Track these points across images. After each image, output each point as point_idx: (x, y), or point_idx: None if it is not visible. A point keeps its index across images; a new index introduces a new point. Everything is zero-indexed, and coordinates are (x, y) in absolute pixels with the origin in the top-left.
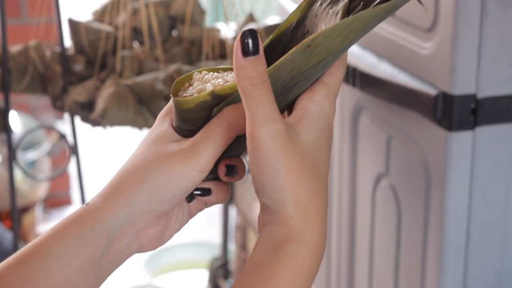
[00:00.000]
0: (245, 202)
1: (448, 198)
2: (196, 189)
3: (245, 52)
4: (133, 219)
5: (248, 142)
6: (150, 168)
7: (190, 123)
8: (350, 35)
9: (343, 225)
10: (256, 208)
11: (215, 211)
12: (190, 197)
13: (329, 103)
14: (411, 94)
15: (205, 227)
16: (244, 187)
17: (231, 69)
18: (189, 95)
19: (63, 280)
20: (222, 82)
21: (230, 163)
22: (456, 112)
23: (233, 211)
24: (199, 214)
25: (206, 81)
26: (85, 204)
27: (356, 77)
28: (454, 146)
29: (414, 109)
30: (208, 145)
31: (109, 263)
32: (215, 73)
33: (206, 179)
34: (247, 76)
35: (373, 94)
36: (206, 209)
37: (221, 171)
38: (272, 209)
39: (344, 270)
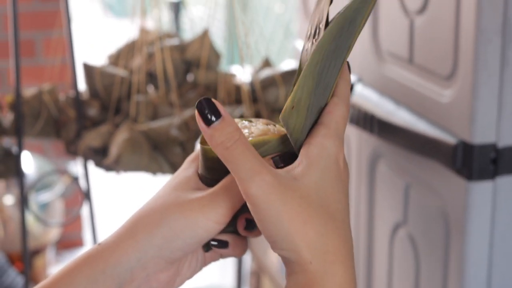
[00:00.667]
0: (260, 248)
1: (468, 249)
2: (213, 239)
3: (208, 122)
4: (144, 263)
5: (247, 202)
6: (166, 213)
7: (214, 172)
8: (317, 69)
9: (360, 274)
10: (271, 254)
11: None
12: (207, 247)
13: (331, 141)
14: (430, 142)
15: (218, 271)
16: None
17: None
18: None
19: None
20: (247, 133)
21: (250, 218)
22: (476, 162)
23: (247, 256)
24: None
25: None
26: (97, 244)
27: (374, 124)
28: (474, 196)
29: (433, 158)
30: (227, 197)
31: None
32: (245, 122)
33: (224, 231)
34: (218, 142)
35: (391, 142)
36: None
37: (240, 224)
38: (289, 259)
39: None
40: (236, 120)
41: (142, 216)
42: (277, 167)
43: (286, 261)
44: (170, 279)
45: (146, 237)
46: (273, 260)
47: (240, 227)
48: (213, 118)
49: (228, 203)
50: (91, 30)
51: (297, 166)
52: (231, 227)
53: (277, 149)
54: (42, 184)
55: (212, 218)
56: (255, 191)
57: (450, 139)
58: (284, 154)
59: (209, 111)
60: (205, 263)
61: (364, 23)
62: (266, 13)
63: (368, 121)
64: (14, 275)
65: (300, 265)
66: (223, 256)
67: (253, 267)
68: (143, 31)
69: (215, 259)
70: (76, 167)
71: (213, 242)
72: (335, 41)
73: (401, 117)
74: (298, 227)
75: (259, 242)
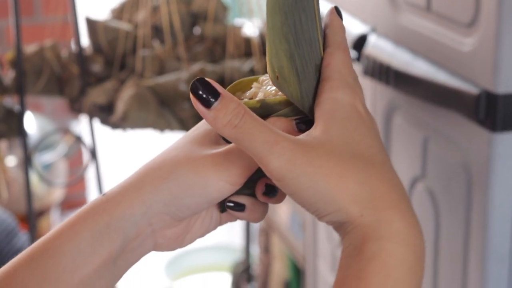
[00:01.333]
0: (269, 205)
1: (492, 202)
2: (230, 201)
3: (207, 103)
4: (149, 218)
5: (273, 180)
6: (176, 167)
7: None
8: (284, 30)
9: None
10: (280, 211)
11: None
12: (223, 207)
13: (340, 92)
14: (450, 93)
15: (227, 229)
16: None
17: None
18: (241, 99)
19: (77, 281)
20: (274, 91)
21: (270, 183)
22: (500, 112)
23: None
24: None
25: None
26: (102, 194)
27: (390, 75)
28: (498, 147)
29: (453, 109)
30: (244, 156)
31: (124, 261)
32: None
33: (241, 193)
34: (225, 123)
35: (408, 93)
36: None
37: (260, 189)
38: (339, 221)
39: None
40: (260, 77)
41: (152, 168)
42: (300, 130)
43: (337, 225)
44: (178, 236)
45: (152, 191)
46: (283, 217)
47: (259, 192)
48: (212, 99)
49: (244, 163)
50: None
51: (315, 128)
52: (249, 190)
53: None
54: (44, 144)
55: (225, 178)
56: (277, 162)
57: (472, 89)
58: (305, 117)
59: (205, 92)
60: (220, 222)
61: None
62: None
63: (383, 73)
64: (24, 238)
65: (351, 222)
66: (240, 218)
67: (261, 224)
68: None
69: (231, 219)
70: (78, 126)
71: (228, 203)
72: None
73: (419, 67)
74: (335, 183)
75: None
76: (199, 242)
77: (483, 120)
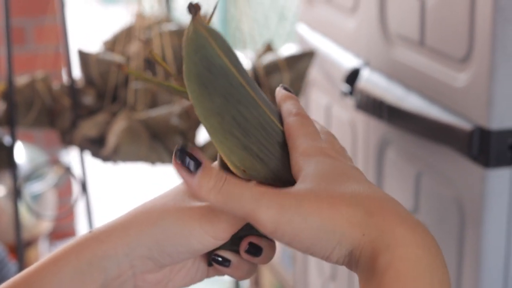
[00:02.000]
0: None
1: (485, 239)
2: (216, 254)
3: (190, 172)
4: (131, 260)
5: (267, 233)
6: (163, 215)
7: None
8: (224, 134)
9: None
10: None
11: None
12: (210, 261)
13: (304, 154)
14: (443, 128)
15: None
16: None
17: None
18: None
19: None
20: None
21: (256, 242)
22: (494, 148)
23: None
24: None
25: None
26: (89, 231)
27: (383, 110)
28: (491, 183)
29: (446, 145)
30: (229, 214)
31: None
32: None
33: (229, 249)
34: (210, 187)
35: (401, 128)
36: None
37: (243, 246)
38: (346, 253)
39: None
40: None
41: (141, 212)
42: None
43: (348, 260)
44: (159, 282)
45: (137, 234)
46: None
47: (242, 248)
48: (194, 165)
49: (230, 219)
50: (84, 17)
51: (297, 184)
52: (236, 247)
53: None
54: (34, 174)
55: (209, 231)
56: (268, 212)
57: (465, 125)
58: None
59: (188, 160)
60: (207, 275)
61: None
62: (271, 6)
63: (376, 107)
64: (14, 269)
65: (356, 247)
66: (226, 274)
67: None
68: (139, 16)
69: (218, 274)
70: (68, 156)
71: (214, 257)
72: (208, 98)
73: (412, 102)
74: (328, 214)
75: None
76: None
77: (477, 156)
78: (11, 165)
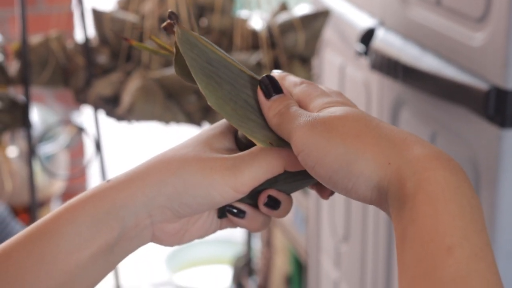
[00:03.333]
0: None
1: (500, 199)
2: (231, 206)
3: (268, 95)
4: (150, 210)
5: (295, 152)
6: (185, 165)
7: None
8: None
9: (382, 225)
10: None
11: None
12: (222, 213)
13: (327, 106)
14: (459, 88)
15: None
16: None
17: None
18: None
19: (73, 264)
20: None
21: (274, 196)
22: (510, 108)
23: None
24: None
25: None
26: (106, 180)
27: (398, 70)
28: (507, 144)
29: (462, 105)
30: (251, 166)
31: (121, 249)
32: None
33: (244, 202)
34: (276, 112)
35: (416, 88)
36: None
37: (262, 198)
38: (372, 185)
39: (381, 276)
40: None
41: (160, 161)
42: None
43: (375, 196)
44: (177, 232)
45: (156, 183)
46: None
47: (261, 201)
48: (274, 93)
49: (252, 172)
50: None
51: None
52: (252, 200)
53: None
54: (47, 135)
55: (230, 184)
56: (299, 132)
57: (481, 85)
58: None
59: (271, 87)
60: (220, 227)
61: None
62: None
63: (391, 67)
64: (18, 227)
65: (383, 178)
66: (239, 226)
67: None
68: None
69: (231, 226)
70: (81, 117)
71: (229, 208)
72: (218, 87)
73: (428, 62)
74: (353, 142)
75: None
76: None
77: (493, 116)
78: (26, 124)
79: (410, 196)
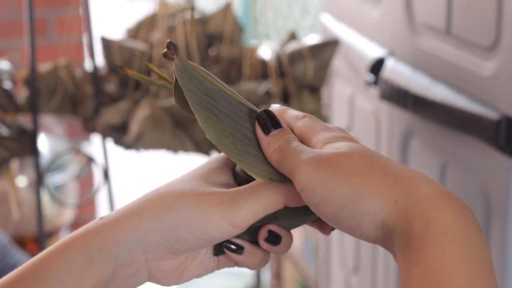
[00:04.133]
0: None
1: (511, 230)
2: (229, 241)
3: (267, 130)
4: (144, 246)
5: (298, 190)
6: (181, 199)
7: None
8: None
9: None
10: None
11: None
12: (218, 250)
13: (331, 141)
14: (469, 118)
15: None
16: None
17: None
18: None
19: None
20: None
21: (275, 231)
22: None
23: None
24: None
25: None
26: (99, 217)
27: (408, 100)
28: None
29: (473, 134)
30: (250, 200)
31: None
32: None
33: (242, 238)
34: (276, 147)
35: (426, 118)
36: None
37: (262, 234)
38: (377, 224)
39: None
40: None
41: (155, 196)
42: None
43: (380, 235)
44: (174, 270)
45: (151, 219)
46: (295, 242)
47: (261, 237)
48: (272, 128)
49: (251, 207)
50: (108, 10)
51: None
52: (250, 237)
53: None
54: (55, 165)
55: (228, 219)
56: (303, 169)
57: (492, 114)
58: None
59: (269, 121)
60: (218, 265)
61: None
62: None
63: (401, 97)
64: (18, 255)
65: (389, 216)
66: (238, 264)
67: None
68: (163, 4)
69: (229, 264)
70: (90, 147)
71: (227, 244)
72: (217, 120)
73: (438, 91)
74: (359, 180)
75: None
76: None
77: (503, 146)
78: (34, 152)
79: (417, 236)
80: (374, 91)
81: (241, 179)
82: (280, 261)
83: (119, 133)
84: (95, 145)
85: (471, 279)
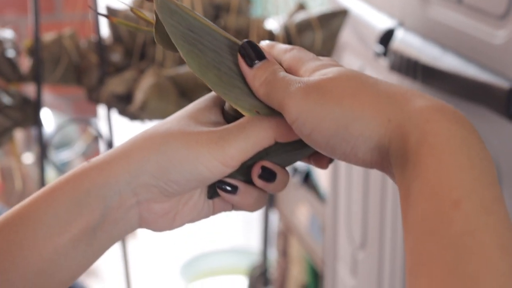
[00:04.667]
0: (287, 207)
1: None
2: (221, 181)
3: (250, 63)
4: (134, 188)
5: (289, 123)
6: (168, 139)
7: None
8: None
9: (398, 226)
10: (299, 214)
11: (254, 215)
12: (212, 192)
13: (320, 68)
14: (480, 87)
15: (244, 232)
16: (287, 190)
17: None
18: None
19: (51, 250)
20: None
21: (269, 167)
22: None
23: (274, 216)
24: (238, 218)
25: None
26: (87, 161)
27: (418, 70)
28: None
29: (483, 104)
30: (239, 138)
31: (105, 234)
32: None
33: (235, 178)
34: (262, 80)
35: (436, 88)
36: (244, 213)
37: (255, 171)
38: (373, 145)
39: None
40: None
41: (143, 138)
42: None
43: (377, 157)
44: (166, 213)
45: (139, 160)
46: (301, 219)
47: (255, 174)
48: (256, 60)
49: (240, 145)
50: None
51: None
52: (244, 176)
53: None
54: (61, 141)
55: (218, 157)
56: (293, 100)
57: (503, 83)
58: None
59: (252, 53)
60: (213, 210)
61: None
62: None
63: (411, 68)
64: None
65: (383, 135)
66: (234, 207)
67: (280, 227)
68: None
69: (225, 208)
70: (97, 125)
71: (220, 184)
72: (201, 54)
73: (448, 61)
74: (349, 103)
75: (286, 201)
76: (215, 245)
77: None
78: (37, 122)
79: (413, 150)
80: (384, 63)
81: (230, 116)
82: (286, 239)
83: (123, 103)
84: (101, 122)
85: (472, 188)
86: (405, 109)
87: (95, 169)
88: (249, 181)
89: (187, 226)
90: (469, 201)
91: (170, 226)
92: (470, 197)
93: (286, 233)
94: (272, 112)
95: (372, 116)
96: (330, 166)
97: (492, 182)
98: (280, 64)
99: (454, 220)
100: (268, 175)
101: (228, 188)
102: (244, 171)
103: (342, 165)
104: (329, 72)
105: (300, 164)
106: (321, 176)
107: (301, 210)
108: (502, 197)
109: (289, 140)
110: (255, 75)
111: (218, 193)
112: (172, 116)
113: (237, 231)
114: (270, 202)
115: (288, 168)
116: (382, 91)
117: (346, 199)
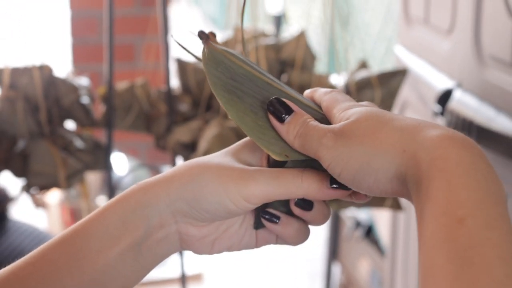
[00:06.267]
0: (349, 260)
1: None
2: (265, 211)
3: (280, 119)
4: (173, 211)
5: (325, 167)
6: (205, 171)
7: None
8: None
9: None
10: (360, 267)
11: (318, 268)
12: (258, 223)
13: (348, 108)
14: None
15: (307, 285)
16: (349, 244)
17: None
18: None
19: (103, 261)
20: None
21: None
22: None
23: (336, 269)
24: (302, 270)
25: None
26: (136, 184)
27: (472, 131)
28: None
29: None
30: (268, 181)
31: (150, 251)
32: None
33: (277, 209)
34: (295, 134)
35: (490, 149)
36: (308, 266)
37: (292, 201)
38: (392, 175)
39: None
40: None
41: (186, 166)
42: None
43: (396, 183)
44: (204, 237)
45: (178, 187)
46: (362, 273)
47: (292, 201)
48: (285, 115)
49: (264, 186)
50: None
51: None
52: (285, 207)
53: None
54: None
55: (242, 193)
56: (325, 149)
57: None
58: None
59: (281, 109)
60: (257, 242)
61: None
62: (367, 30)
63: (466, 128)
64: None
65: (400, 165)
66: (278, 240)
67: (342, 280)
68: (238, 30)
69: (269, 240)
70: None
71: (263, 214)
72: (238, 101)
73: (502, 123)
74: (369, 141)
75: (349, 254)
76: None
77: None
78: (107, 166)
79: (425, 175)
80: (441, 122)
81: (273, 161)
82: None
83: (188, 151)
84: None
85: (477, 206)
86: (418, 139)
87: (141, 190)
88: (290, 213)
89: (253, 277)
90: (473, 218)
91: (209, 251)
92: (474, 215)
93: (347, 286)
94: (300, 156)
95: (389, 149)
96: (390, 220)
97: (497, 201)
98: (320, 105)
99: (459, 235)
100: (303, 203)
101: (270, 217)
102: (285, 202)
103: (401, 218)
104: (352, 115)
105: (363, 218)
106: (383, 229)
107: (362, 263)
108: (506, 215)
109: (315, 200)
110: (288, 130)
111: (263, 223)
112: (222, 151)
113: (301, 284)
114: (333, 255)
115: (351, 222)
116: (397, 126)
117: (404, 253)
